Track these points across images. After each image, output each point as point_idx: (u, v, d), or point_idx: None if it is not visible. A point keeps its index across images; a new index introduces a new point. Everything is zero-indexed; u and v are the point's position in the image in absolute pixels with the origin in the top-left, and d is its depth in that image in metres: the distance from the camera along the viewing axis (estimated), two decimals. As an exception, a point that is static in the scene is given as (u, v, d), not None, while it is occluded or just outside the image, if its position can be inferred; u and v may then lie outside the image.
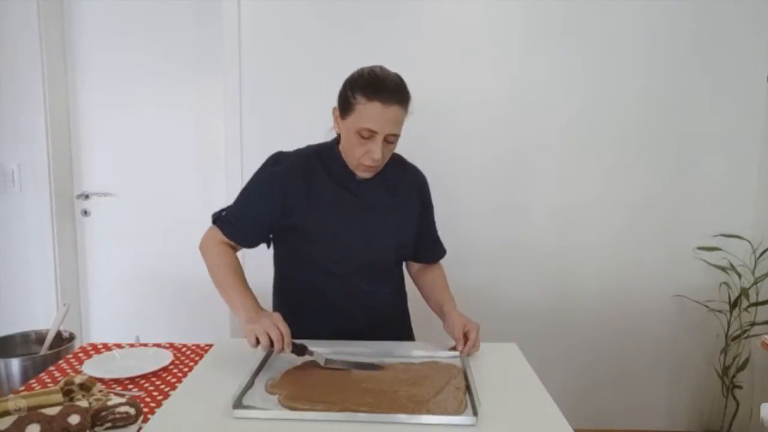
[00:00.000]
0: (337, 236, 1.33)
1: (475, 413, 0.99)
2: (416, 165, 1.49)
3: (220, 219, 1.37)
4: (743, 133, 2.35)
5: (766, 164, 2.35)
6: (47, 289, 2.46)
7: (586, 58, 2.31)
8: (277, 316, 1.17)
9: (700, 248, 2.40)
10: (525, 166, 2.38)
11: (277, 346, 1.13)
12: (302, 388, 1.08)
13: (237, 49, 2.29)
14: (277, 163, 1.35)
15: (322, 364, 1.18)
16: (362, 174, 1.31)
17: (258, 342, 1.13)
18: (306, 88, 2.32)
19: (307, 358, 1.22)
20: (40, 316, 2.41)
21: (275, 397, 1.05)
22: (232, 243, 1.36)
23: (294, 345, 1.16)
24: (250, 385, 1.09)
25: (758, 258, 2.31)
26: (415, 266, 1.55)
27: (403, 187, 1.42)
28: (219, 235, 1.35)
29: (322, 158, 1.36)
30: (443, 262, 1.58)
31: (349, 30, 2.29)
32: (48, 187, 2.40)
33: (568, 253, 2.42)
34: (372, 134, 1.22)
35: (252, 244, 1.39)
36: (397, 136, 1.26)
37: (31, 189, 2.41)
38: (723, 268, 2.34)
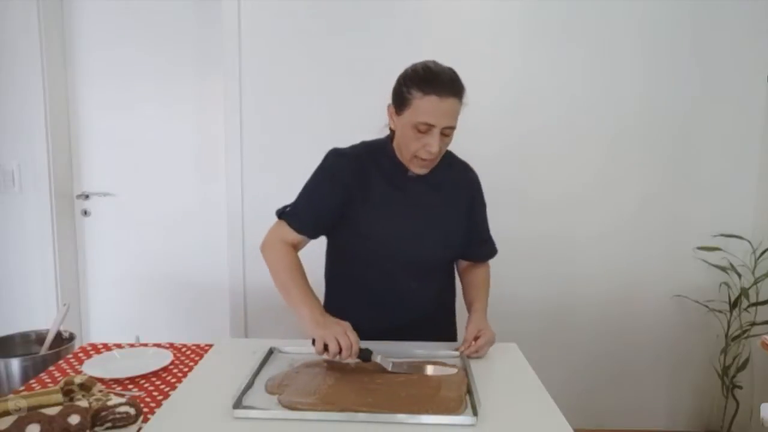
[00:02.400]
0: (386, 233, 1.35)
1: (475, 413, 0.99)
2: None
3: (285, 213, 1.38)
4: (743, 133, 2.35)
5: (765, 164, 2.35)
6: (47, 289, 2.46)
7: (585, 58, 2.31)
8: (347, 325, 1.18)
9: (700, 248, 2.40)
10: (524, 166, 2.38)
11: (345, 354, 1.14)
12: (302, 388, 1.08)
13: (237, 49, 2.29)
14: (338, 157, 1.37)
15: (388, 369, 1.17)
16: (417, 170, 1.32)
17: (325, 349, 1.14)
18: (306, 88, 2.32)
19: (307, 359, 1.22)
20: (40, 316, 2.41)
21: (275, 397, 1.05)
22: (296, 239, 1.36)
23: (360, 350, 1.16)
24: (250, 385, 1.09)
25: (758, 258, 2.31)
26: (463, 264, 1.54)
27: (449, 185, 1.42)
28: (283, 231, 1.36)
29: (375, 155, 1.37)
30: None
31: (349, 30, 2.29)
32: (48, 187, 2.40)
33: (568, 253, 2.42)
34: (429, 128, 1.23)
35: (315, 234, 1.39)
36: (452, 128, 1.27)
37: (31, 189, 2.41)
38: (723, 268, 2.34)
